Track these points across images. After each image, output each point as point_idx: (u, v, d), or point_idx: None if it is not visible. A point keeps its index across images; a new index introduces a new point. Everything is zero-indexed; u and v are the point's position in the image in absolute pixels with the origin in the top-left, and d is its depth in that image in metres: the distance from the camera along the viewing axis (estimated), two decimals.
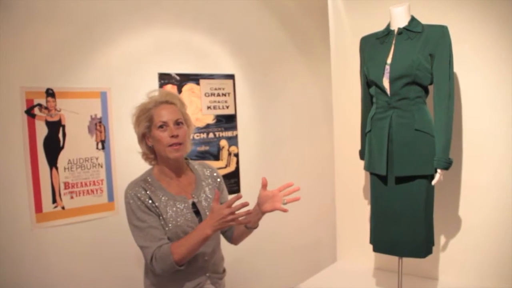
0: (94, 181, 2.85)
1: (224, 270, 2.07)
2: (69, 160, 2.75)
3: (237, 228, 2.05)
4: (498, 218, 2.43)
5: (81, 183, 2.80)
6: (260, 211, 1.93)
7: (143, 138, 1.93)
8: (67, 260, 2.72)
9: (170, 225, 1.83)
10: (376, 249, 2.33)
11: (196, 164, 2.07)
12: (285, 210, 1.85)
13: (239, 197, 1.74)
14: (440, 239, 2.60)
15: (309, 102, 3.91)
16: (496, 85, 2.40)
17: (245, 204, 1.74)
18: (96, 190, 2.86)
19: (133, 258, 2.91)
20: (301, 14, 3.85)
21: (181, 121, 1.91)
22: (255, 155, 3.66)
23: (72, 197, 2.76)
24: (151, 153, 1.95)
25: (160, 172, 1.94)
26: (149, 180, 1.90)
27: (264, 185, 1.93)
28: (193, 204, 1.92)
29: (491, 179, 2.44)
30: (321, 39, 3.76)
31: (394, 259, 2.42)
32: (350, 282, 2.68)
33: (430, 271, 2.65)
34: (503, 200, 2.41)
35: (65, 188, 2.73)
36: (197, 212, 1.91)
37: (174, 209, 1.85)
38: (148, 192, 1.84)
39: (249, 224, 1.96)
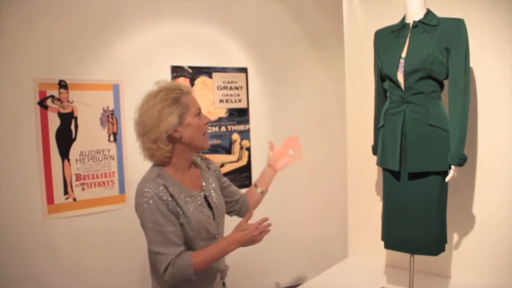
0: (105, 173, 2.86)
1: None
2: (81, 152, 2.76)
3: (252, 199, 2.17)
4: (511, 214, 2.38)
5: (93, 175, 2.81)
6: (273, 171, 2.20)
7: (170, 131, 1.74)
8: (78, 251, 2.74)
9: (194, 222, 1.75)
10: (387, 246, 2.28)
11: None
12: (298, 158, 2.16)
13: (265, 219, 1.80)
14: (453, 237, 2.55)
15: (322, 97, 3.88)
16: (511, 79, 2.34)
17: (266, 220, 1.80)
18: (108, 182, 2.87)
19: (144, 250, 2.91)
20: (314, 9, 3.81)
21: None
22: (267, 149, 3.63)
23: (83, 189, 2.78)
24: (172, 147, 1.77)
25: (173, 167, 1.82)
26: (163, 175, 1.77)
27: (272, 147, 2.21)
28: (204, 197, 1.88)
29: (506, 176, 2.38)
30: (335, 34, 3.71)
31: (405, 256, 2.38)
32: (361, 279, 2.64)
33: (442, 268, 2.60)
34: None
35: (77, 180, 2.75)
36: (209, 206, 1.87)
37: (193, 204, 1.77)
38: (169, 189, 1.73)
39: (263, 188, 2.17)
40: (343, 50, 3.02)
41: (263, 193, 2.18)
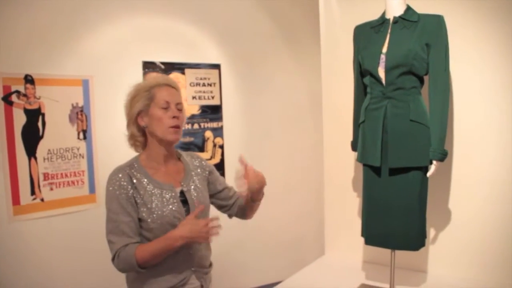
0: (75, 172, 2.74)
1: (210, 264, 1.98)
2: (49, 150, 2.64)
3: (248, 204, 2.01)
4: (487, 211, 2.42)
5: (61, 174, 2.69)
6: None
7: (136, 118, 1.79)
8: (47, 254, 2.62)
9: (154, 215, 1.72)
10: (368, 242, 2.28)
11: (184, 154, 1.99)
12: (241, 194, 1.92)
13: (215, 218, 1.73)
14: (430, 232, 2.58)
15: (295, 94, 3.86)
16: (488, 76, 2.38)
17: (217, 219, 1.73)
18: (77, 182, 2.75)
19: None
20: (289, 6, 3.78)
21: (181, 106, 1.83)
22: (240, 147, 3.59)
23: (51, 189, 2.66)
24: (141, 135, 1.82)
25: (148, 158, 1.82)
26: (135, 166, 1.79)
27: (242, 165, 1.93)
28: (181, 193, 1.83)
29: (482, 172, 2.43)
30: (309, 31, 3.71)
31: (383, 252, 2.38)
32: (339, 276, 2.63)
33: (419, 264, 2.63)
34: (492, 193, 2.40)
35: (45, 179, 2.63)
36: (184, 201, 1.82)
37: (160, 198, 1.76)
38: (133, 180, 1.74)
39: (254, 197, 1.94)
40: (318, 47, 3.00)
41: (253, 201, 1.99)
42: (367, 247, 2.70)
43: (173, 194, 1.79)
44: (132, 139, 1.83)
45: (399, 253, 2.37)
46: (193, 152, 2.07)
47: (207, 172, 1.99)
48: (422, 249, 2.32)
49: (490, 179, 2.41)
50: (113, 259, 1.70)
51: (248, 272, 3.61)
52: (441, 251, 2.56)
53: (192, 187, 1.86)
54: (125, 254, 1.67)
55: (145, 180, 1.76)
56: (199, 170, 1.95)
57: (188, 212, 1.81)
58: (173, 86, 1.84)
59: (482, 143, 2.42)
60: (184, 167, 1.91)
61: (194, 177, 1.90)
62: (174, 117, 1.77)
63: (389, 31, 2.18)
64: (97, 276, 2.78)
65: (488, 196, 2.42)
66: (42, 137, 2.61)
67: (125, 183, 1.72)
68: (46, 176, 2.63)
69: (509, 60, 2.30)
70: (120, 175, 1.73)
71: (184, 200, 1.82)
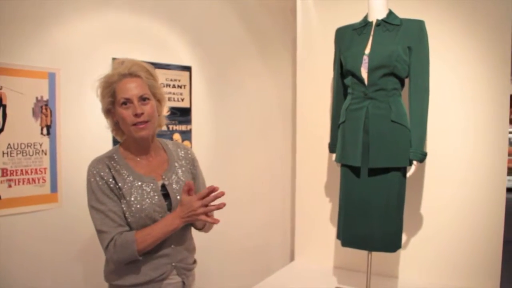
0: (36, 169, 2.59)
1: (194, 261, 1.91)
2: (9, 144, 2.48)
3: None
4: (459, 216, 2.47)
5: (22, 170, 2.53)
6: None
7: (108, 113, 1.80)
8: (2, 257, 2.44)
9: (133, 208, 1.68)
10: (345, 244, 2.27)
11: (170, 143, 1.93)
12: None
13: (212, 189, 1.64)
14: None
15: (265, 100, 3.84)
16: (465, 80, 2.45)
17: (219, 196, 1.63)
18: (38, 179, 2.60)
19: (77, 255, 2.68)
20: (262, 12, 3.79)
21: (147, 96, 1.74)
22: (208, 151, 3.52)
23: (10, 186, 2.49)
24: (118, 128, 1.83)
25: (128, 150, 1.80)
26: (115, 157, 1.76)
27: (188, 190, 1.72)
28: (163, 186, 1.76)
29: (453, 178, 2.48)
30: (281, 38, 3.73)
31: (354, 257, 2.39)
32: (310, 281, 2.61)
33: (391, 269, 2.64)
34: (464, 198, 2.45)
35: (3, 175, 2.46)
36: (166, 195, 1.77)
37: (140, 191, 1.70)
38: (112, 171, 1.70)
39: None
40: (288, 53, 3.03)
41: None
42: (338, 252, 2.69)
43: (153, 187, 1.73)
44: (113, 130, 1.85)
45: (368, 257, 2.36)
46: (180, 142, 2.05)
47: (192, 166, 1.94)
48: (394, 254, 2.33)
49: (463, 185, 2.47)
50: (106, 249, 1.64)
51: (212, 279, 3.51)
52: (413, 257, 2.59)
53: (174, 180, 1.80)
54: (124, 241, 1.61)
55: (125, 172, 1.71)
56: (183, 162, 1.89)
57: (170, 205, 1.75)
58: (135, 75, 1.75)
59: (454, 149, 2.48)
60: (168, 158, 1.85)
61: (178, 169, 1.84)
62: (136, 114, 1.69)
63: (371, 33, 2.22)
64: (56, 279, 2.62)
65: (460, 202, 2.47)
66: (2, 130, 2.45)
67: (105, 174, 1.68)
68: (4, 172, 2.46)
69: (486, 64, 2.38)
70: (100, 166, 1.70)
71: (166, 194, 1.76)
